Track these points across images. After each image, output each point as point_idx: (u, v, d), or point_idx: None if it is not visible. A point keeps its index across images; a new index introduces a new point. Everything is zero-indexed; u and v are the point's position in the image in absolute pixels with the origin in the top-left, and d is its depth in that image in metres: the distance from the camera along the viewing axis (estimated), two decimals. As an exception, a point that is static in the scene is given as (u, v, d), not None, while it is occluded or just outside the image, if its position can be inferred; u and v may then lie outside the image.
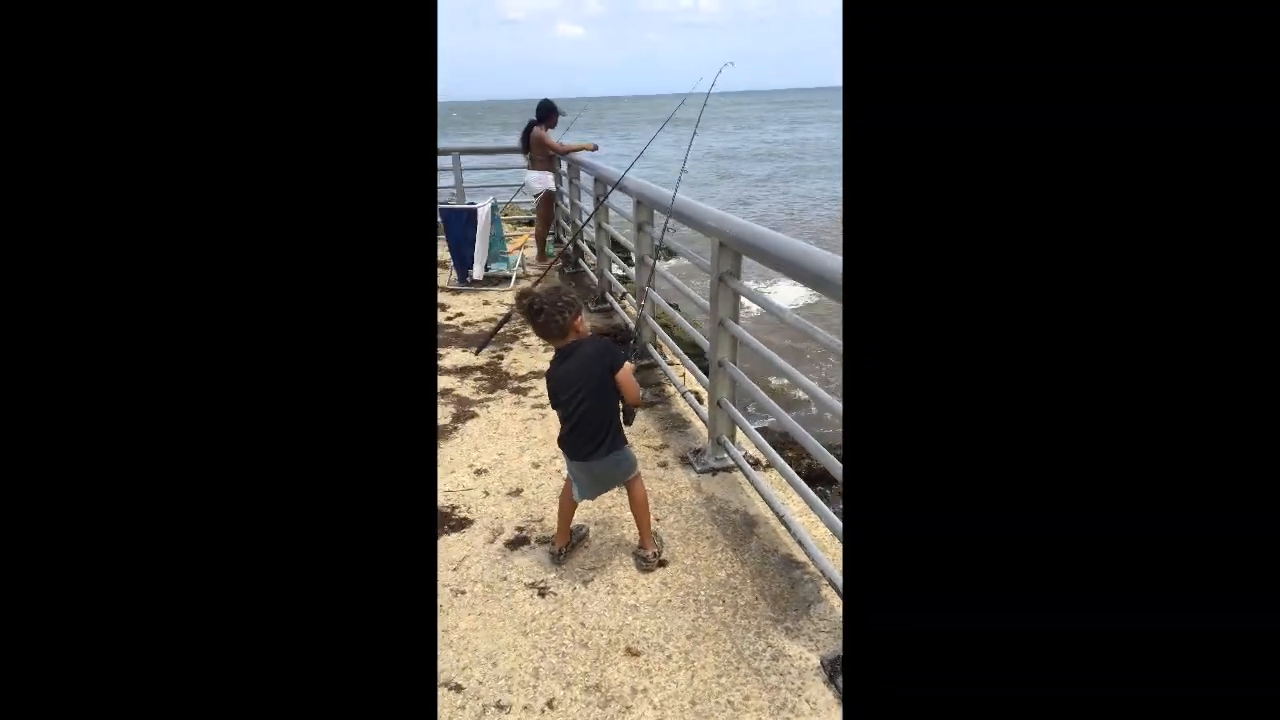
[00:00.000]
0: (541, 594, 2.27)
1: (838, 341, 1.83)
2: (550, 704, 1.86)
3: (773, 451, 2.57)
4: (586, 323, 2.25)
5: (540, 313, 2.15)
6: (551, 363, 2.26)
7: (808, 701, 1.85)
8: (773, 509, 2.59)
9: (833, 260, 1.92)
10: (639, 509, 2.39)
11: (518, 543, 2.53)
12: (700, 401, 3.33)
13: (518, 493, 2.86)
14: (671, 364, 3.96)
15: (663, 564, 2.39)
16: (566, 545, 2.45)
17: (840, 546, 2.47)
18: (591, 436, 2.22)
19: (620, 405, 2.28)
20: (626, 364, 2.23)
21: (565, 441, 2.27)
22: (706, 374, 2.99)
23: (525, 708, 1.84)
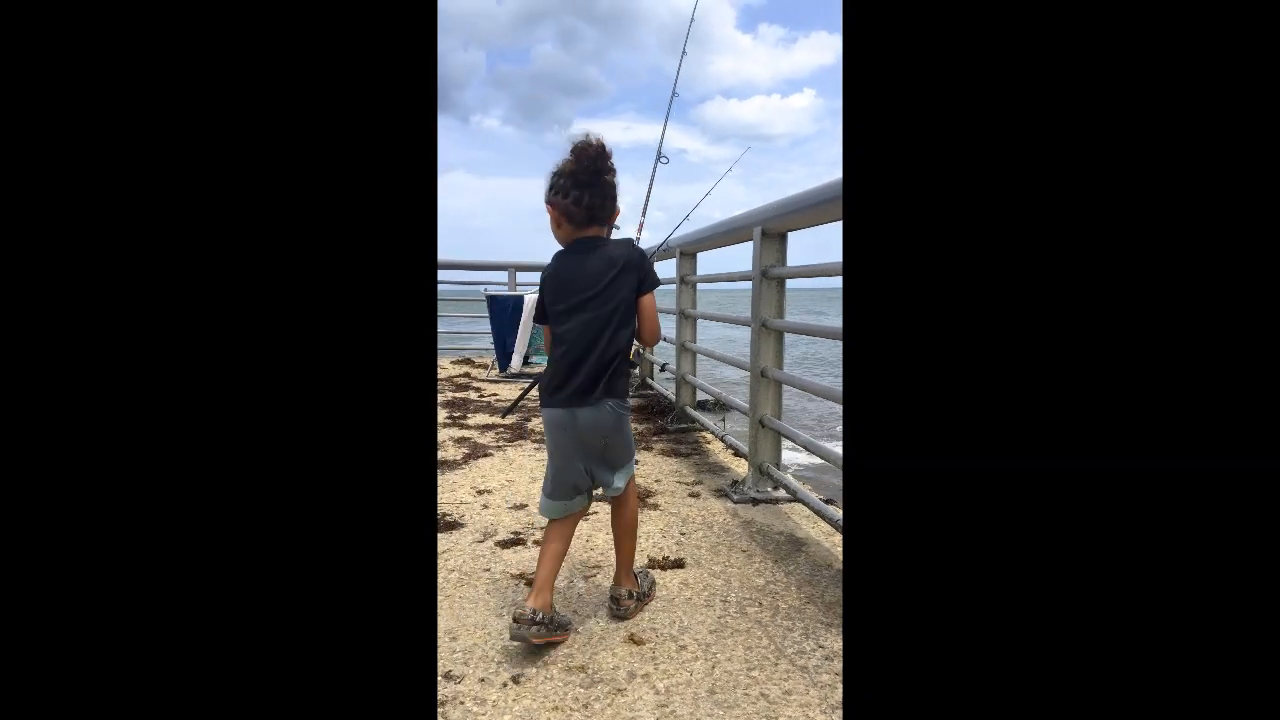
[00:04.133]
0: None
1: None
2: (516, 679, 1.36)
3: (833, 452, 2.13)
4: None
5: (600, 173, 1.53)
6: (557, 256, 1.61)
7: (876, 702, 1.30)
8: (836, 526, 2.09)
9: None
10: (623, 531, 1.66)
11: (511, 543, 2.09)
12: (741, 441, 2.92)
13: (521, 507, 2.44)
14: (715, 413, 3.58)
15: (641, 600, 1.67)
16: (546, 617, 1.46)
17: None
18: (589, 370, 1.51)
19: (631, 343, 1.64)
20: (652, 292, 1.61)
21: (550, 381, 1.56)
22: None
23: (482, 680, 1.35)
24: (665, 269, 4.38)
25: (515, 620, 1.44)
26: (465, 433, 3.64)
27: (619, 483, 1.62)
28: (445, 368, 6.14)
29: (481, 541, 2.11)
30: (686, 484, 2.72)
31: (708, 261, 3.84)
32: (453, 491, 2.62)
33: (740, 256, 2.74)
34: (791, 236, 2.47)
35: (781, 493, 2.49)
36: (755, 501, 2.49)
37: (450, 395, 4.76)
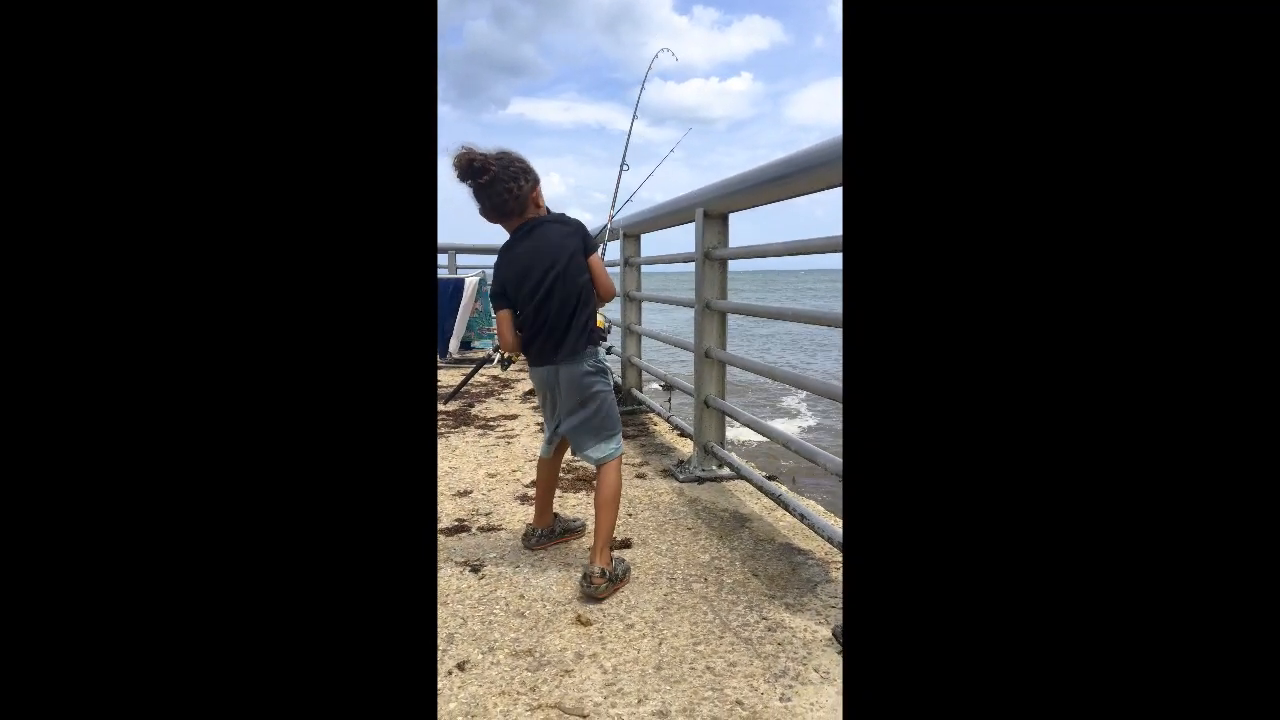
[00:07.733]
0: (475, 570, 1.79)
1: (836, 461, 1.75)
2: (461, 666, 1.35)
3: (778, 430, 2.17)
4: (544, 199, 1.73)
5: (485, 172, 1.59)
6: (505, 247, 1.73)
7: (816, 670, 1.34)
8: (778, 500, 2.14)
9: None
10: (600, 503, 1.70)
11: (455, 530, 2.06)
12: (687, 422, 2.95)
13: (465, 494, 2.41)
14: (657, 394, 3.61)
15: (613, 581, 1.66)
16: (546, 530, 1.92)
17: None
18: (571, 331, 1.68)
19: (594, 298, 1.74)
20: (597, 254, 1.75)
21: (530, 345, 1.73)
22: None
23: (426, 668, 1.33)
24: (610, 251, 4.35)
25: (524, 539, 1.92)
26: (407, 420, 3.56)
27: (595, 455, 1.74)
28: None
29: (425, 529, 2.07)
30: (634, 465, 2.74)
31: (652, 243, 3.83)
32: (394, 480, 2.57)
33: (685, 238, 2.75)
34: (734, 218, 2.49)
35: (726, 470, 2.53)
36: (700, 480, 2.51)
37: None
